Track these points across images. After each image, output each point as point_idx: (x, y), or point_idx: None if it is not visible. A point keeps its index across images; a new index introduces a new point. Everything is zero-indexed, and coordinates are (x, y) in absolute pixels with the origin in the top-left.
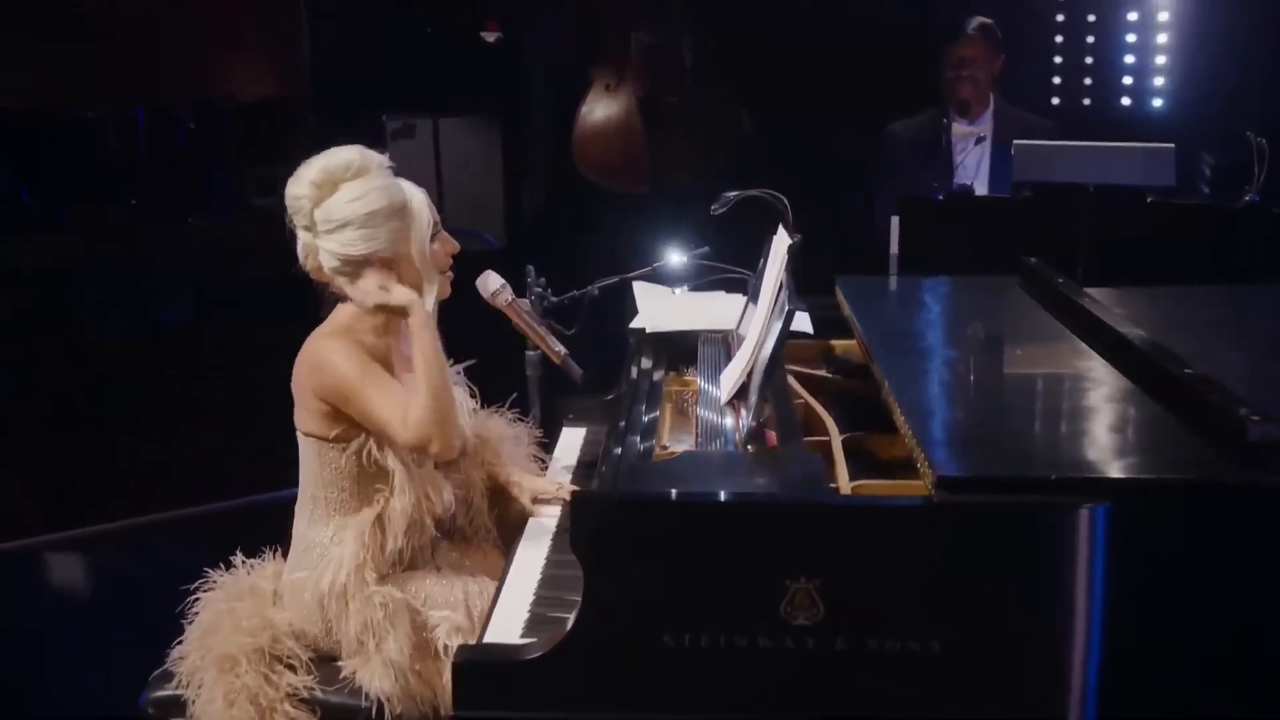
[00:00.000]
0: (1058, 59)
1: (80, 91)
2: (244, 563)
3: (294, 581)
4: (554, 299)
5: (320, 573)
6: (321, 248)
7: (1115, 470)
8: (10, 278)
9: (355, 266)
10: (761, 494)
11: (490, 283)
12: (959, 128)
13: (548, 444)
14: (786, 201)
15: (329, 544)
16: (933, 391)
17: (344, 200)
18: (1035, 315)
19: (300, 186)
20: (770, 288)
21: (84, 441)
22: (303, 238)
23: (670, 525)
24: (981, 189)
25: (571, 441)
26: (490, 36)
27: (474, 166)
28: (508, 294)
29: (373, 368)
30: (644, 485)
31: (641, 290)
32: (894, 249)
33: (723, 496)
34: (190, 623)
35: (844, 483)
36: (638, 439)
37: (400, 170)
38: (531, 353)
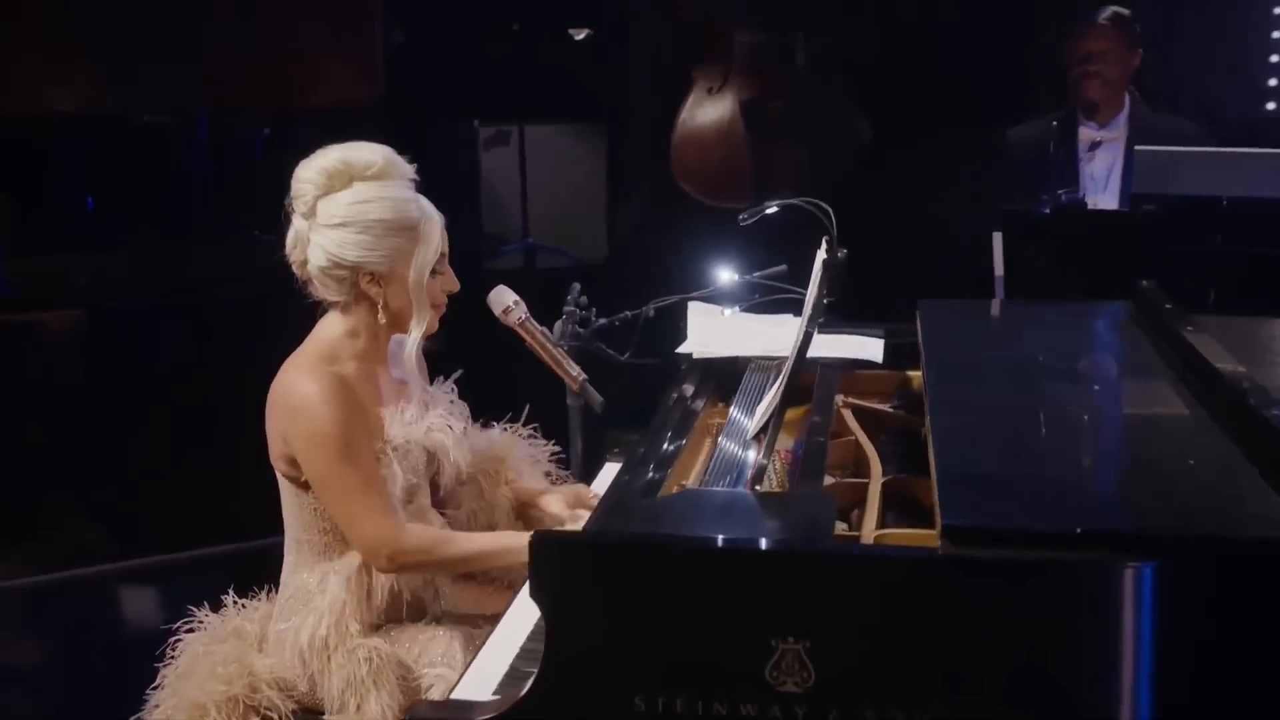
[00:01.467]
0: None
1: (140, 97)
2: (235, 603)
3: (278, 632)
4: (602, 321)
5: (301, 623)
6: (313, 240)
7: (1163, 524)
8: (73, 297)
9: (343, 273)
10: (744, 539)
11: (502, 299)
12: (1086, 133)
13: (564, 459)
14: (830, 212)
15: (314, 591)
16: (976, 429)
17: (352, 199)
18: (1133, 347)
19: (312, 171)
20: (806, 311)
21: (139, 471)
22: (297, 225)
23: (640, 572)
24: (1110, 201)
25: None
26: (579, 34)
27: (569, 176)
28: (521, 312)
29: (353, 444)
30: (625, 525)
31: (696, 312)
32: (998, 270)
33: (699, 540)
34: (167, 666)
35: (868, 530)
36: (648, 472)
37: (494, 182)
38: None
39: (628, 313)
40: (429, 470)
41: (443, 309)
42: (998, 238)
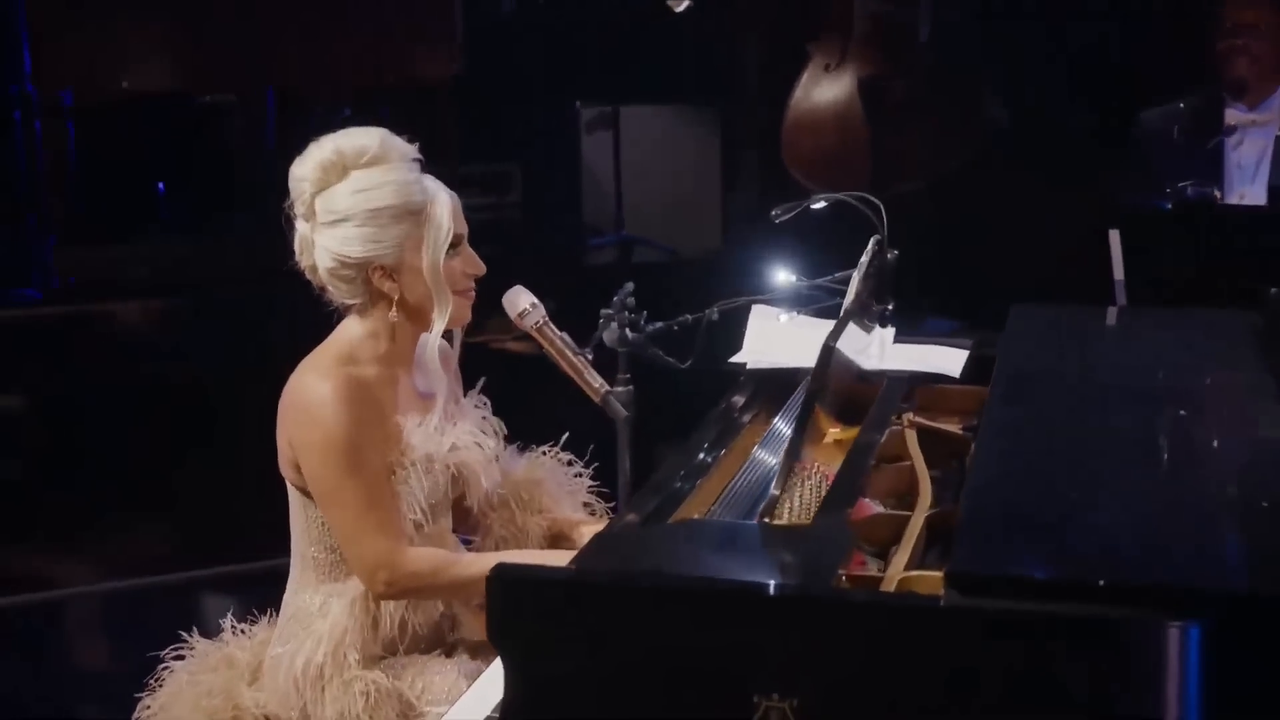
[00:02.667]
0: None
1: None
2: (234, 628)
3: (273, 658)
4: (658, 324)
5: (297, 648)
6: (317, 243)
7: (1213, 577)
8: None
9: (352, 271)
10: (725, 580)
11: (517, 301)
12: (1234, 115)
13: (610, 484)
14: (881, 208)
15: (315, 614)
16: (1028, 457)
17: (350, 190)
18: (1250, 367)
19: (306, 167)
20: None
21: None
22: (300, 229)
23: (605, 613)
24: (1259, 194)
25: None
26: (679, 5)
27: (676, 162)
28: (538, 315)
29: (362, 452)
30: (608, 559)
31: (759, 316)
32: (1117, 273)
33: (672, 579)
34: (149, 695)
35: (895, 571)
36: (659, 498)
37: (599, 166)
38: (621, 390)
39: (688, 316)
40: (453, 491)
41: (469, 295)
42: (1115, 236)
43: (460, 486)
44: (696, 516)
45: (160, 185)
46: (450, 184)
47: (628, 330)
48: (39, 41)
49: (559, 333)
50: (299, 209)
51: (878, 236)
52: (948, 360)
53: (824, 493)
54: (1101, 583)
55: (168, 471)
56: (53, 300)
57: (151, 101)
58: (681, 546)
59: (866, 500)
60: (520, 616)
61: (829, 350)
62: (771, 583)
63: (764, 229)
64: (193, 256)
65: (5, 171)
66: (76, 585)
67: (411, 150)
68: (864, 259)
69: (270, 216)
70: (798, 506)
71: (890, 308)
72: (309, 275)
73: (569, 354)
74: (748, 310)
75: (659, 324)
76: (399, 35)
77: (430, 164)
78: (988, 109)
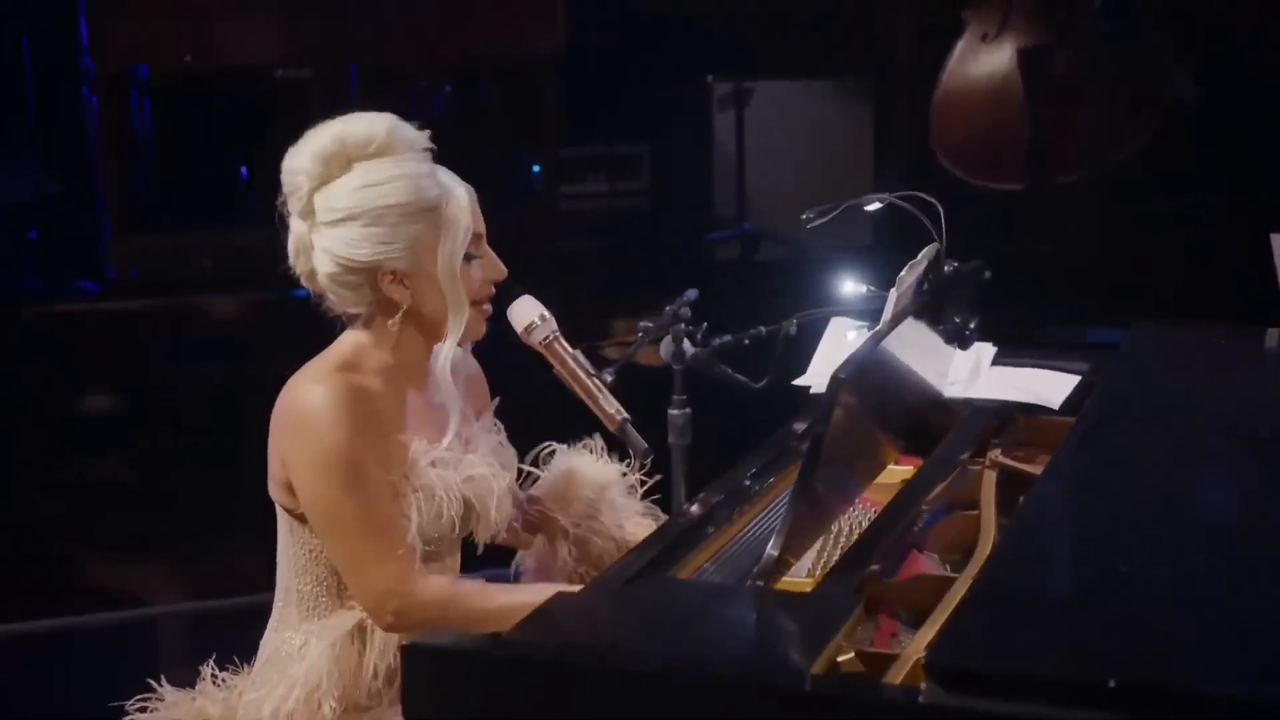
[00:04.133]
0: None
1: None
2: (213, 677)
3: (246, 704)
4: (726, 338)
5: (268, 694)
6: (317, 245)
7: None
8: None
9: (358, 276)
10: (675, 661)
11: (524, 313)
12: None
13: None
14: (940, 210)
15: (294, 656)
16: (1077, 516)
17: (354, 185)
18: None
19: (302, 158)
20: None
21: None
22: (295, 229)
23: (532, 696)
24: None
25: None
26: None
27: (811, 143)
28: (548, 330)
29: (362, 468)
30: (565, 625)
31: (835, 330)
32: None
33: (613, 658)
34: None
35: (914, 649)
36: (659, 546)
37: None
38: (677, 413)
39: (762, 329)
40: (462, 527)
41: (486, 308)
42: (1277, 241)
43: (471, 522)
44: (684, 575)
45: (243, 170)
46: (554, 167)
47: (686, 344)
48: (97, 11)
49: (571, 350)
50: (294, 206)
51: (936, 246)
52: (1052, 387)
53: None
54: (1112, 684)
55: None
56: (112, 294)
57: (221, 78)
58: (649, 614)
59: (923, 555)
60: (435, 697)
61: (837, 384)
62: (727, 670)
63: (916, 222)
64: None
65: (66, 153)
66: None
67: (423, 139)
68: (905, 273)
69: None
70: (832, 560)
71: (973, 325)
72: (305, 281)
73: (582, 375)
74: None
75: (726, 337)
76: (498, 2)
77: (537, 147)
78: (1169, 88)
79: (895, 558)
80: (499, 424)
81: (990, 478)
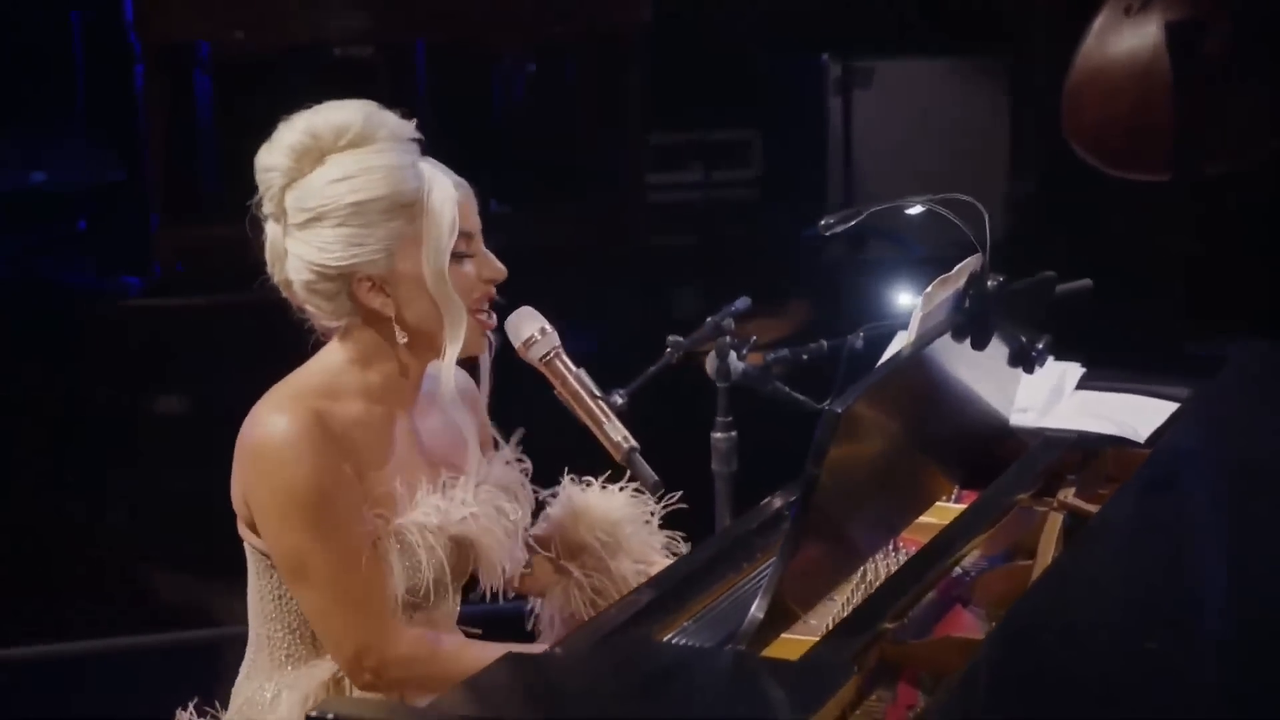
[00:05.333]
0: None
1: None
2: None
3: None
4: (783, 352)
5: None
6: (290, 250)
7: None
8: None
9: (333, 284)
10: None
11: (522, 326)
12: None
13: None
14: (985, 214)
15: (265, 709)
16: (1118, 579)
17: (325, 180)
18: None
19: (275, 154)
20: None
21: None
22: (270, 233)
23: None
24: None
25: None
26: None
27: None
28: (548, 345)
29: (334, 508)
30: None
31: (898, 345)
32: None
33: None
34: None
35: None
36: (652, 594)
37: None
38: (721, 436)
39: (824, 342)
40: (457, 571)
41: (488, 318)
42: None
43: (468, 564)
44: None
45: None
46: (634, 153)
47: (734, 359)
48: None
49: (574, 369)
50: (267, 207)
51: (978, 256)
52: (1143, 416)
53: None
54: None
55: None
56: (155, 290)
57: (275, 57)
58: (602, 681)
59: (967, 611)
60: None
61: (833, 420)
62: None
63: (1049, 218)
64: None
65: (120, 137)
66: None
67: (406, 128)
68: (932, 288)
69: None
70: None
71: (1041, 345)
72: (285, 293)
73: (585, 397)
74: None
75: (784, 351)
76: None
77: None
78: None
79: (933, 613)
80: (524, 457)
81: (1055, 522)
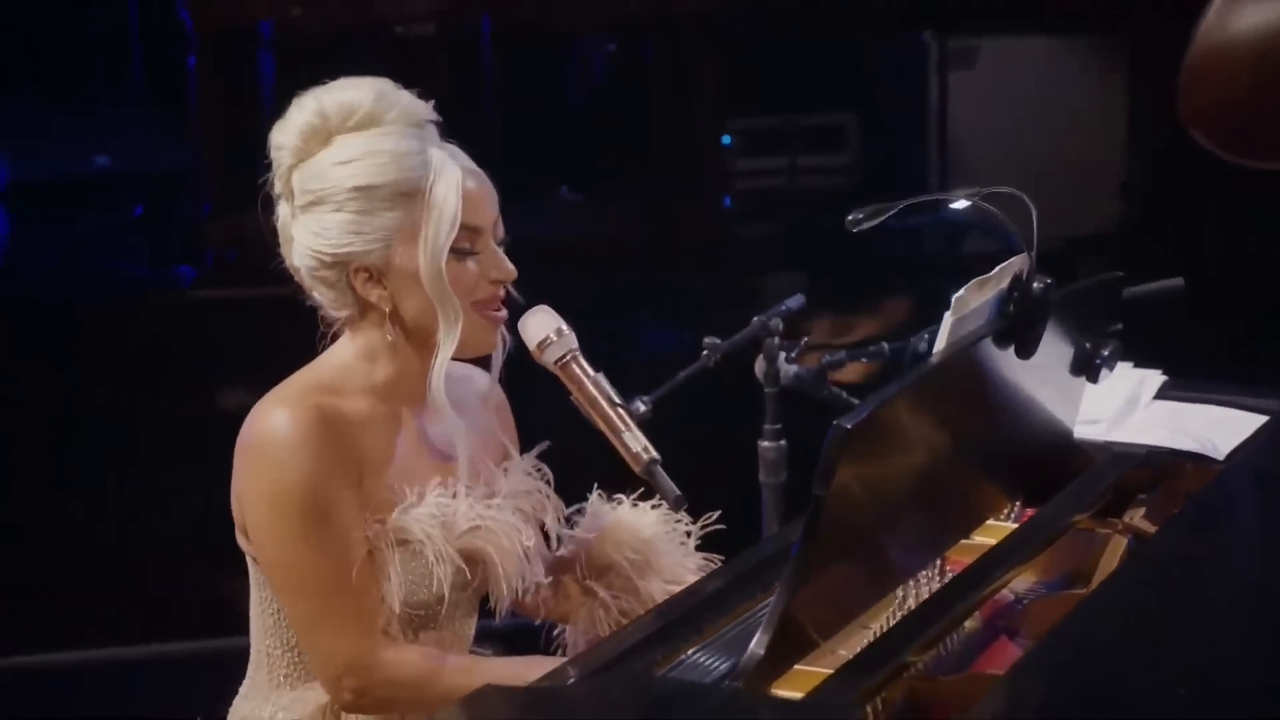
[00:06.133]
0: None
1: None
2: None
3: None
4: (839, 355)
5: None
6: (294, 234)
7: None
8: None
9: (332, 272)
10: None
11: (538, 326)
12: None
13: None
14: (1032, 209)
15: None
16: (1135, 629)
17: (330, 162)
18: None
19: (286, 133)
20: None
21: None
22: (280, 214)
23: None
24: None
25: None
26: None
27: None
28: (565, 348)
29: (329, 513)
30: None
31: None
32: None
33: None
34: None
35: None
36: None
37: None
38: (769, 444)
39: (885, 345)
40: (469, 585)
41: (496, 315)
42: None
43: (479, 578)
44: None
45: None
46: (717, 138)
47: (783, 361)
48: None
49: (593, 373)
50: (277, 186)
51: (1024, 256)
52: (1225, 430)
53: None
54: None
55: None
56: (206, 281)
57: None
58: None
59: (1014, 643)
60: None
61: (842, 436)
62: None
63: (1165, 210)
64: None
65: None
66: None
67: (422, 109)
68: (965, 291)
69: (497, 184)
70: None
71: (1107, 352)
72: (296, 278)
73: (603, 404)
74: None
75: (841, 353)
76: None
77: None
78: None
79: (976, 645)
80: (544, 468)
81: (1118, 546)
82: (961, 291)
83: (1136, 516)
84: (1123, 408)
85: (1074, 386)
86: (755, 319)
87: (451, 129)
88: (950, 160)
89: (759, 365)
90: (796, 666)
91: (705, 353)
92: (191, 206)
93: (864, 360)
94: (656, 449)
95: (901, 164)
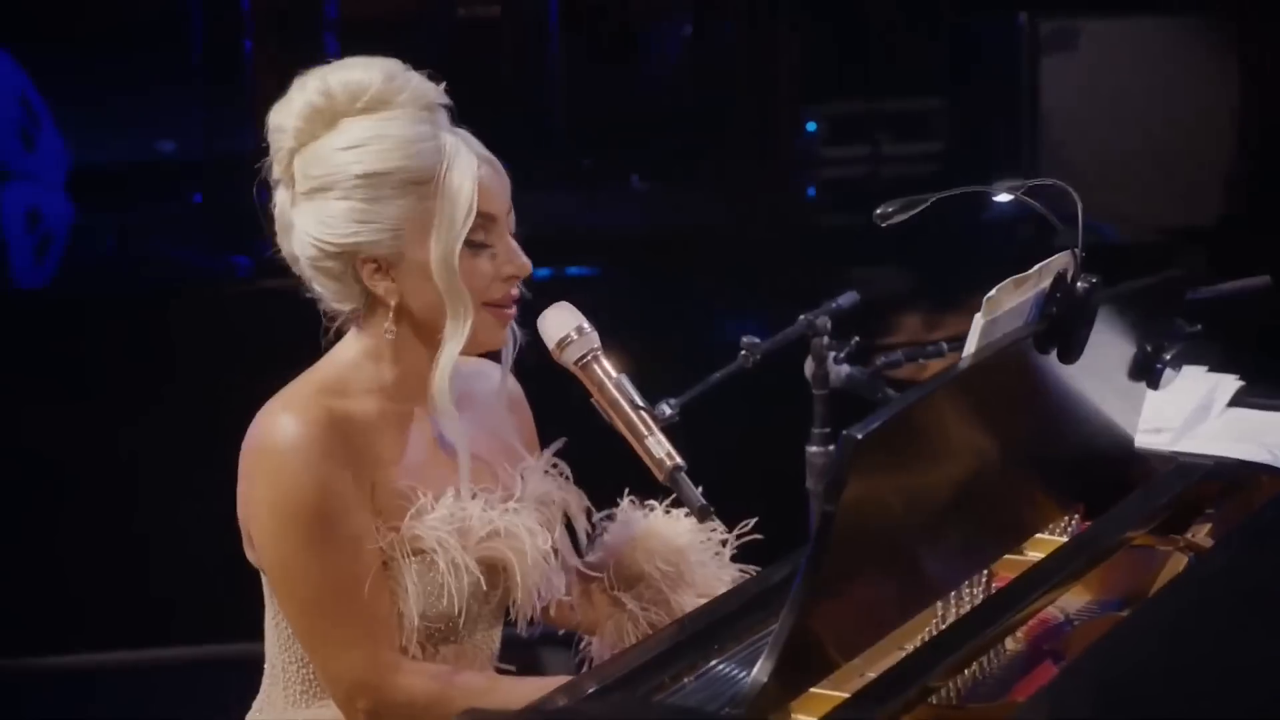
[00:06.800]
0: None
1: None
2: None
3: None
4: (896, 355)
5: None
6: (295, 223)
7: None
8: None
9: (337, 263)
10: None
11: (558, 324)
12: None
13: None
14: (1077, 199)
15: None
16: (1167, 664)
17: (334, 147)
18: None
19: (287, 114)
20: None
21: None
22: (279, 200)
23: None
24: None
25: None
26: None
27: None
28: (586, 347)
29: (336, 522)
30: None
31: None
32: None
33: None
34: None
35: None
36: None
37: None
38: (816, 449)
39: (944, 344)
40: (489, 595)
41: (507, 311)
42: None
43: (499, 588)
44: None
45: None
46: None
47: (834, 360)
48: None
49: (614, 374)
50: (276, 171)
51: (1069, 253)
52: None
53: None
54: None
55: None
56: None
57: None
58: None
59: (1059, 668)
60: None
61: (852, 446)
62: None
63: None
64: None
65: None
66: None
67: (433, 92)
68: (997, 292)
69: (563, 172)
70: None
71: (1169, 357)
72: (293, 268)
73: (625, 407)
74: None
75: (897, 354)
76: None
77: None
78: None
79: (1018, 668)
80: (563, 466)
81: (1177, 564)
82: (994, 291)
83: (1201, 533)
84: (1193, 415)
85: (1134, 392)
86: (801, 317)
87: (516, 115)
88: (1042, 149)
89: (808, 366)
90: (813, 690)
91: (743, 353)
92: (247, 194)
93: (922, 360)
94: (694, 453)
95: (992, 152)
